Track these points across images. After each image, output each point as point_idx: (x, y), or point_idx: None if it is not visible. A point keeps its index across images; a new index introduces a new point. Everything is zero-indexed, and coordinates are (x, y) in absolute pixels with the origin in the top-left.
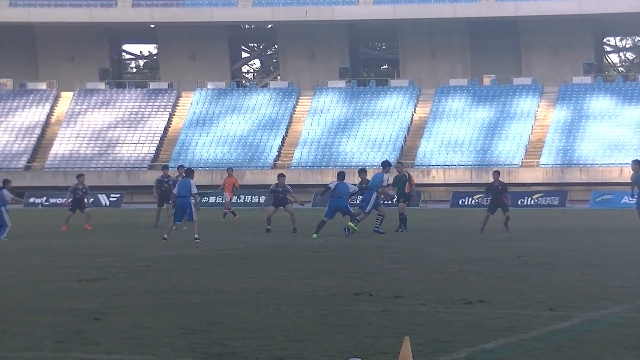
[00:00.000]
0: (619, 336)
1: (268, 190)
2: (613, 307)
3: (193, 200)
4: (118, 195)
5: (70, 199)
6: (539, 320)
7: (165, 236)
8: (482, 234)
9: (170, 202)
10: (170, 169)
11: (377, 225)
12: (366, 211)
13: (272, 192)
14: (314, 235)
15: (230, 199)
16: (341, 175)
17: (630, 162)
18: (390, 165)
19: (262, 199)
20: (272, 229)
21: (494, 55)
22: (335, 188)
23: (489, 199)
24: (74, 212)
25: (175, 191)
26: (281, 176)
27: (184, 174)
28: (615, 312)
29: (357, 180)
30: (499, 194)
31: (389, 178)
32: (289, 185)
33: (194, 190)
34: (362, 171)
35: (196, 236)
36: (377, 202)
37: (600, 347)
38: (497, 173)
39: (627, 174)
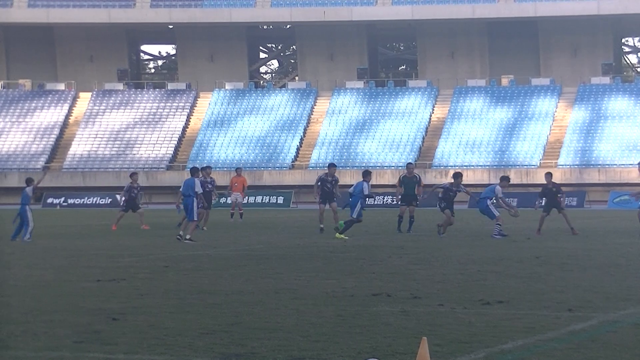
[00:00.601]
0: (638, 337)
1: (316, 180)
2: (633, 307)
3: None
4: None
5: (124, 198)
6: (558, 321)
7: (188, 236)
8: (539, 235)
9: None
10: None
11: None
12: (353, 216)
13: (321, 181)
14: (342, 236)
15: (243, 199)
16: (365, 175)
17: (638, 165)
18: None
19: (280, 199)
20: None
21: (512, 55)
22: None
23: (544, 200)
24: (127, 212)
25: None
26: (332, 166)
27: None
28: (636, 313)
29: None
30: (554, 195)
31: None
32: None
33: (198, 189)
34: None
35: (188, 237)
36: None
37: (619, 348)
38: (549, 175)
39: None
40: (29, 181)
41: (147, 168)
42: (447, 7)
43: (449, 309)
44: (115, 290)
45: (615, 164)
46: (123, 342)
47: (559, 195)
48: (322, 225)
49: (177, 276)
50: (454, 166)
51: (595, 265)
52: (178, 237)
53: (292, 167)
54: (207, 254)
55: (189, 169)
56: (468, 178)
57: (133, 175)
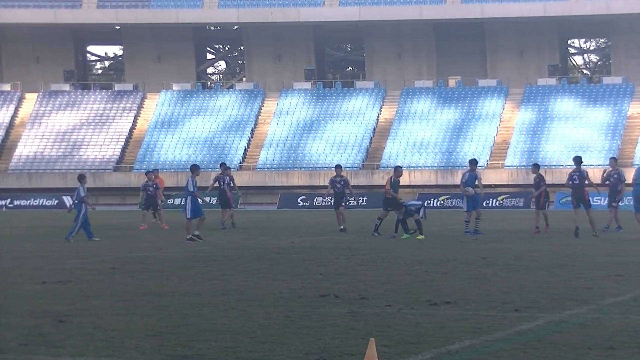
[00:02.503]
0: (583, 337)
1: (328, 182)
2: (578, 308)
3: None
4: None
5: (144, 197)
6: (505, 321)
7: (195, 234)
8: (602, 233)
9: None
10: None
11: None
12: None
13: (331, 183)
14: (406, 236)
15: (161, 201)
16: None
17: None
18: (341, 168)
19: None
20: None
21: (459, 57)
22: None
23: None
24: (149, 210)
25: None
26: (338, 167)
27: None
28: (581, 313)
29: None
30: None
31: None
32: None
33: (190, 188)
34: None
35: (194, 234)
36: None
37: (565, 347)
38: (579, 164)
39: (592, 176)
40: (81, 178)
41: (94, 169)
42: (394, 8)
43: (396, 310)
44: (62, 292)
45: (562, 165)
46: (69, 344)
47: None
48: (341, 227)
49: (124, 278)
50: (402, 167)
51: (541, 266)
52: (194, 237)
53: (240, 168)
54: (153, 255)
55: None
56: (416, 179)
57: (148, 173)
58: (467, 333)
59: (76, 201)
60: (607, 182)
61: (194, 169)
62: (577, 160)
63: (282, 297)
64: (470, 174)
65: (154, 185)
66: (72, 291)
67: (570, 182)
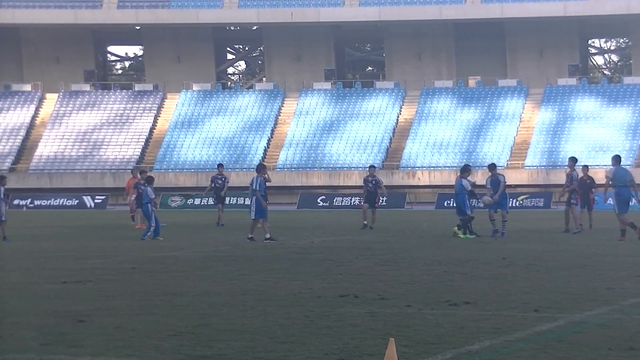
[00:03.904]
0: (604, 337)
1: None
2: (599, 308)
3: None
4: (103, 197)
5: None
6: (525, 321)
7: (267, 235)
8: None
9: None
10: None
11: None
12: (467, 212)
13: (364, 182)
14: (469, 236)
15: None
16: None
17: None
18: (469, 170)
19: (248, 201)
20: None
21: (479, 56)
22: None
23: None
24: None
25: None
26: (371, 167)
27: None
28: (601, 314)
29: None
30: (587, 188)
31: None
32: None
33: (255, 187)
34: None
35: (267, 236)
36: None
37: (585, 348)
38: (586, 167)
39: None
40: (149, 180)
41: (114, 169)
42: (414, 8)
43: (416, 310)
44: (82, 292)
45: (581, 165)
46: (89, 344)
47: (592, 190)
48: (365, 222)
49: (143, 278)
50: (422, 167)
51: (561, 266)
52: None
53: None
54: (173, 255)
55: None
56: (435, 179)
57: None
58: (486, 333)
59: (144, 202)
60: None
61: (260, 168)
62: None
63: (301, 297)
64: (492, 178)
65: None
66: (92, 291)
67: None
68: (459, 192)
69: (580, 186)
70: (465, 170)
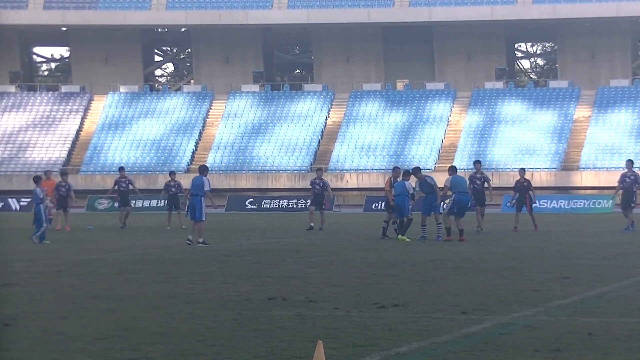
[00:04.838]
0: (530, 339)
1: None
2: (525, 310)
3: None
4: (29, 200)
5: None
6: (452, 323)
7: (201, 240)
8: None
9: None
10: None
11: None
12: (408, 215)
13: (311, 184)
14: (404, 237)
15: (53, 204)
16: (453, 169)
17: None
18: (410, 174)
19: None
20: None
21: (407, 60)
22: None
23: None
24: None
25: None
26: (319, 170)
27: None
28: (528, 316)
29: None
30: (524, 191)
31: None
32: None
33: (207, 187)
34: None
35: (200, 240)
36: None
37: (511, 350)
38: (522, 170)
39: (538, 179)
40: (37, 179)
41: (40, 171)
42: (342, 11)
43: (344, 313)
44: (7, 296)
45: (509, 168)
46: (15, 348)
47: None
48: (312, 224)
49: (71, 281)
50: (350, 170)
51: (489, 269)
52: (188, 241)
53: (188, 170)
54: (101, 258)
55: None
56: (363, 182)
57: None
58: (414, 336)
59: (35, 202)
60: (623, 184)
61: (205, 169)
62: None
63: (230, 300)
64: (420, 182)
65: (66, 186)
66: (18, 294)
67: (622, 184)
68: (401, 194)
69: (517, 189)
70: (408, 173)
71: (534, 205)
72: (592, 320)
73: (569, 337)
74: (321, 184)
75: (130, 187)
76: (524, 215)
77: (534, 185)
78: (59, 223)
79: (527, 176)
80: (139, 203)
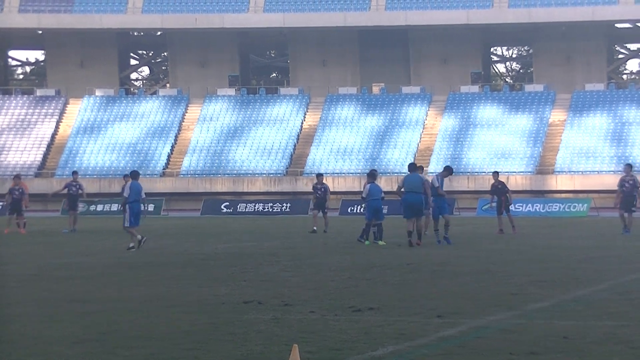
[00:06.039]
0: (506, 342)
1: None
2: (502, 313)
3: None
4: (2, 204)
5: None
6: (428, 327)
7: (132, 244)
8: (501, 234)
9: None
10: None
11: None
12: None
13: (313, 189)
14: (367, 242)
15: (26, 207)
16: (372, 176)
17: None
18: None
19: (151, 207)
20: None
21: (383, 64)
22: (369, 190)
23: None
24: (14, 214)
25: (126, 194)
26: (319, 175)
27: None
28: (504, 319)
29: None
30: (500, 194)
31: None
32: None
33: (143, 195)
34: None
35: (132, 244)
36: None
37: (487, 353)
38: (496, 173)
39: (514, 182)
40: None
41: (15, 175)
42: (318, 14)
43: (320, 316)
44: None
45: (484, 172)
46: None
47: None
48: (315, 227)
49: (48, 284)
50: (326, 173)
51: (465, 272)
52: (132, 247)
53: (163, 174)
54: (79, 261)
55: (129, 174)
56: (339, 185)
57: (15, 178)
58: (390, 339)
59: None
60: (623, 189)
61: (136, 175)
62: (629, 167)
63: (206, 303)
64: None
65: (19, 190)
66: None
67: (622, 188)
68: (378, 197)
69: (493, 192)
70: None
71: (510, 207)
72: (568, 323)
73: (544, 340)
74: (322, 189)
75: (80, 191)
76: (505, 217)
77: (509, 189)
78: (6, 227)
79: (503, 179)
80: (114, 207)
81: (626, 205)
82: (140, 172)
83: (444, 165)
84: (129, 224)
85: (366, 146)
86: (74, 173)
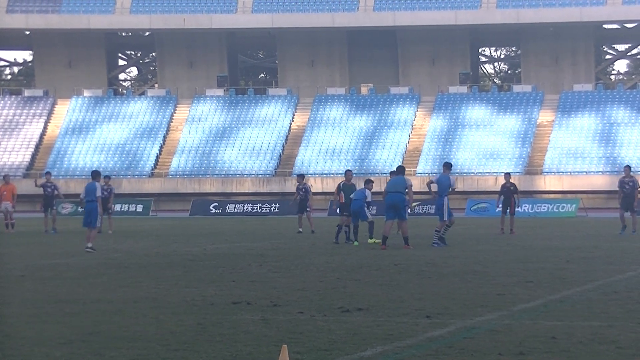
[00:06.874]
0: (494, 343)
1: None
2: (489, 314)
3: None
4: None
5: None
6: (416, 327)
7: (90, 245)
8: (502, 234)
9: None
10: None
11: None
12: (368, 219)
13: (297, 190)
14: (356, 243)
15: (13, 208)
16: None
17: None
18: (372, 182)
19: (140, 207)
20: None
21: (372, 64)
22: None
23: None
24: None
25: (82, 196)
26: (300, 176)
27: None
28: (491, 319)
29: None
30: (510, 194)
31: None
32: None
33: (99, 193)
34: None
35: (89, 245)
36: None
37: (475, 353)
38: (508, 174)
39: (502, 183)
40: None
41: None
42: (306, 15)
43: (308, 317)
44: None
45: (473, 172)
46: None
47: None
48: (300, 229)
49: (34, 285)
50: (314, 174)
51: (453, 273)
52: (89, 249)
53: (152, 174)
54: (65, 262)
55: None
56: (328, 186)
57: (47, 174)
58: (379, 339)
59: None
60: (624, 190)
61: (97, 175)
62: (628, 168)
63: (194, 304)
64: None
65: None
66: None
67: (623, 190)
68: (359, 199)
69: (503, 192)
70: (370, 182)
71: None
72: (555, 323)
73: (532, 340)
74: (304, 189)
75: (56, 192)
76: (507, 218)
77: (497, 189)
78: None
79: (492, 180)
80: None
81: (627, 205)
82: (129, 172)
83: (444, 162)
84: (94, 225)
85: (355, 147)
86: (47, 174)
